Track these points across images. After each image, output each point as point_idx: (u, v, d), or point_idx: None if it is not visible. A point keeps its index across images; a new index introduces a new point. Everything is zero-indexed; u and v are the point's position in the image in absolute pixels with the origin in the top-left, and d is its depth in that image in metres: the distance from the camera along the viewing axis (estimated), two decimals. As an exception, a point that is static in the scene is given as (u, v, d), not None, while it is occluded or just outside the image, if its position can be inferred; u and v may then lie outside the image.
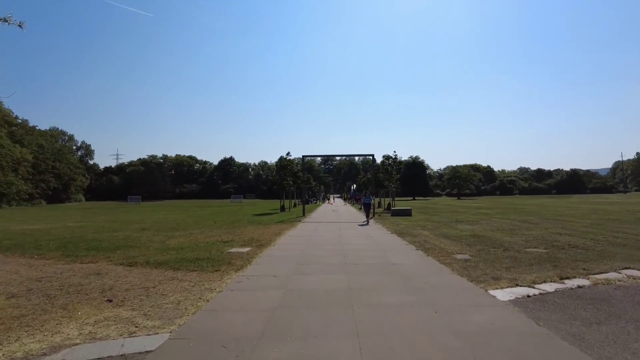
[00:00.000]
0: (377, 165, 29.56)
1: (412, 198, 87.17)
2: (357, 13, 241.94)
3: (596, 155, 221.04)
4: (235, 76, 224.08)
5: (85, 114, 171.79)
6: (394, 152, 29.75)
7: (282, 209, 30.35)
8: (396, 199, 44.86)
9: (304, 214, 23.80)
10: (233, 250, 9.68)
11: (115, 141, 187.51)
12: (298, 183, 40.92)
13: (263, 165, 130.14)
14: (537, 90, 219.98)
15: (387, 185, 29.63)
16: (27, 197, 64.11)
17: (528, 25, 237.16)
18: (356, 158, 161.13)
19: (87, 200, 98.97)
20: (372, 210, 21.99)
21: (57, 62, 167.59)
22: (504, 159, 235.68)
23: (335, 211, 30.83)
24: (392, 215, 22.79)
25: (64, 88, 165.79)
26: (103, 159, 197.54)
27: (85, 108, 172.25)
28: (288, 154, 29.68)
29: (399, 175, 30.11)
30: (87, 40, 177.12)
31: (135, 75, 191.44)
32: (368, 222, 18.05)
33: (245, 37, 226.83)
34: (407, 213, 22.82)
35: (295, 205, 39.81)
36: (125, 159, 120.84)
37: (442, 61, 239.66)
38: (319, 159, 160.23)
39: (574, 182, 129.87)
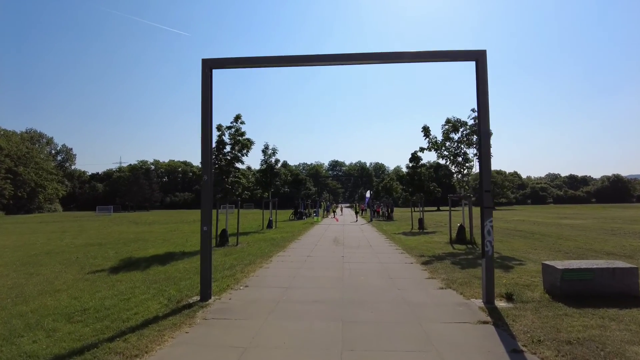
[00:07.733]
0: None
1: (436, 208, 70.23)
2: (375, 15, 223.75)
3: (626, 162, 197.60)
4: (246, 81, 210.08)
5: (86, 119, 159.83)
6: (471, 115, 12.89)
7: (222, 240, 13.59)
8: (415, 209, 26.69)
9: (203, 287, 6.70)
10: None
11: (120, 148, 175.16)
12: (275, 182, 24.42)
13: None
14: (564, 94, 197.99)
15: (461, 187, 12.85)
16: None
17: (552, 23, 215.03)
18: (367, 163, 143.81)
19: (65, 210, 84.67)
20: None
21: (56, 68, 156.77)
22: (527, 165, 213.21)
23: (338, 243, 14.14)
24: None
25: (64, 92, 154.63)
26: (105, 166, 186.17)
27: (86, 113, 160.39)
28: (238, 118, 13.47)
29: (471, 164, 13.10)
30: (84, 45, 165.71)
31: (134, 79, 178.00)
32: None
33: (242, 36, 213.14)
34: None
35: (271, 226, 22.88)
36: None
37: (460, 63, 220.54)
38: (326, 163, 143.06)
39: (617, 189, 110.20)
